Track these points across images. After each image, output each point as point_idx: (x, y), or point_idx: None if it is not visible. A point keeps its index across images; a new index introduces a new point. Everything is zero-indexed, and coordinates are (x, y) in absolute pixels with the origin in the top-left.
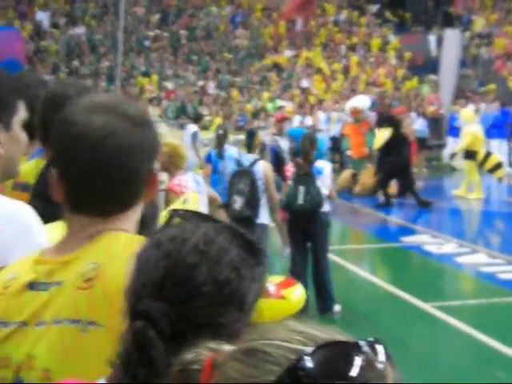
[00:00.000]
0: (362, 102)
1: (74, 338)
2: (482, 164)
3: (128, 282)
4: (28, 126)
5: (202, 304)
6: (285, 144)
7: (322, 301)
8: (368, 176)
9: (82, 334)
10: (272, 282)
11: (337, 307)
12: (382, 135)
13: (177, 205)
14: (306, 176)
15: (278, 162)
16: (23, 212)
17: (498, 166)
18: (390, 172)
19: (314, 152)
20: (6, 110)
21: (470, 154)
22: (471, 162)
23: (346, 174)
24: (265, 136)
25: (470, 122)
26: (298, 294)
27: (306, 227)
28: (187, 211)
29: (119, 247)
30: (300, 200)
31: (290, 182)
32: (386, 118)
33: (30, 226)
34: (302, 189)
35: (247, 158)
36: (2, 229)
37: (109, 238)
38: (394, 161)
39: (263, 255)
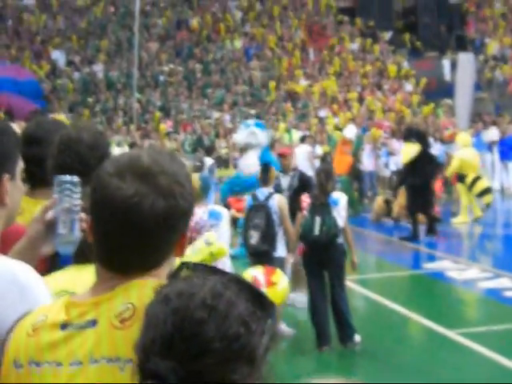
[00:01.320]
0: (350, 131)
1: (113, 376)
2: (470, 188)
3: (138, 338)
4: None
5: (212, 361)
6: (286, 181)
7: (341, 330)
8: (403, 198)
9: (120, 372)
10: (258, 270)
11: (357, 337)
12: (410, 150)
13: (201, 247)
14: (322, 206)
15: None
16: (20, 272)
17: (487, 191)
18: (415, 197)
19: (330, 183)
20: (12, 161)
21: (460, 178)
22: (462, 186)
23: (380, 201)
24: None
25: (465, 146)
26: (284, 282)
27: (323, 258)
28: (195, 264)
29: (150, 290)
30: (316, 231)
31: (305, 213)
32: (415, 132)
33: (28, 287)
34: (318, 219)
35: (262, 193)
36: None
37: (139, 283)
38: (416, 182)
39: (272, 307)
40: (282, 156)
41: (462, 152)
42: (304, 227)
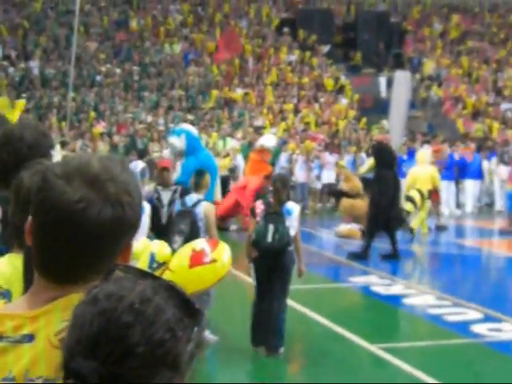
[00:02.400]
0: (269, 140)
1: None
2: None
3: (64, 337)
4: None
5: (135, 364)
6: (167, 196)
7: (272, 339)
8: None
9: None
10: (205, 243)
11: (281, 349)
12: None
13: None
14: (276, 215)
15: (156, 220)
16: None
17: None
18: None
19: (285, 192)
20: None
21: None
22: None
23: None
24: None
25: (420, 162)
26: (227, 254)
27: (273, 265)
28: (127, 266)
29: None
30: (269, 238)
31: (258, 220)
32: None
33: None
34: (271, 227)
35: (191, 198)
36: None
37: (78, 297)
38: (382, 202)
39: (200, 315)
40: (163, 169)
41: (415, 168)
42: (257, 234)
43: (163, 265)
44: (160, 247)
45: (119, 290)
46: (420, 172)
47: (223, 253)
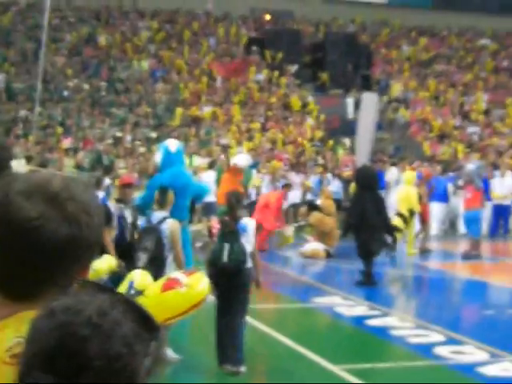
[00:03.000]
0: (243, 160)
1: None
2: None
3: (17, 353)
4: None
5: (91, 379)
6: (129, 214)
7: (235, 353)
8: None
9: None
10: (179, 273)
11: (243, 368)
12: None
13: None
14: (231, 233)
15: (121, 237)
16: None
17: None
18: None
19: (240, 209)
20: None
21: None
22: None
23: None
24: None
25: (405, 183)
26: (203, 282)
27: (230, 284)
28: (85, 281)
29: None
30: (225, 258)
31: (215, 239)
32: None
33: None
34: (226, 246)
35: (156, 216)
36: None
37: (31, 315)
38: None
39: (158, 330)
40: (124, 185)
41: (399, 189)
42: (213, 254)
43: (141, 293)
44: (142, 276)
45: (77, 303)
46: (401, 193)
47: (198, 280)
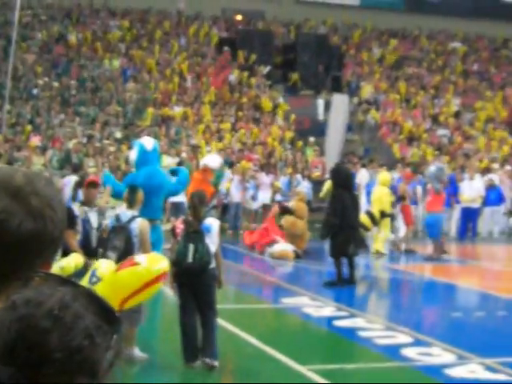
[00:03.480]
0: (214, 160)
1: None
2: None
3: None
4: None
5: (53, 370)
6: (95, 218)
7: (210, 347)
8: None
9: None
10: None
11: (216, 362)
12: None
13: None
14: (195, 234)
15: (85, 242)
16: None
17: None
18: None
19: (203, 209)
20: None
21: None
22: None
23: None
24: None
25: (380, 184)
26: (159, 264)
27: (194, 284)
28: (47, 273)
29: None
30: (189, 258)
31: (179, 239)
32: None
33: None
34: (191, 247)
35: (126, 215)
36: None
37: None
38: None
39: (119, 324)
40: (89, 185)
41: (374, 189)
42: (178, 254)
43: (101, 279)
44: (108, 265)
45: (38, 296)
46: (375, 193)
47: (155, 261)
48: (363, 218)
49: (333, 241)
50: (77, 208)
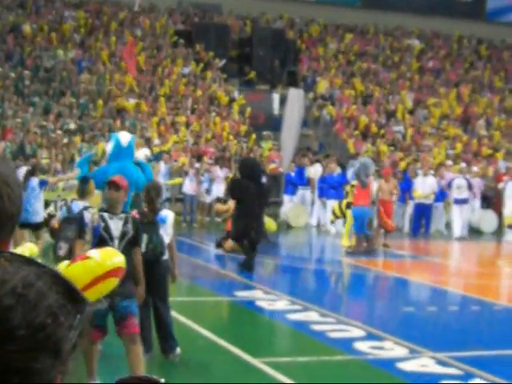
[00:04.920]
0: (140, 154)
1: None
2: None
3: None
4: None
5: (15, 348)
6: (117, 226)
7: (165, 342)
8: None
9: None
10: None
11: (178, 349)
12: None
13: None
14: (150, 224)
15: None
16: None
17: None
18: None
19: (158, 200)
20: None
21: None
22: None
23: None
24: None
25: None
26: (112, 258)
27: (147, 274)
28: (12, 254)
29: None
30: (143, 248)
31: None
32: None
33: None
34: (145, 237)
35: (77, 205)
36: None
37: None
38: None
39: (84, 304)
40: (110, 186)
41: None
42: None
43: None
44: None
45: (2, 274)
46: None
47: (109, 255)
48: (334, 206)
49: (234, 226)
50: (89, 214)
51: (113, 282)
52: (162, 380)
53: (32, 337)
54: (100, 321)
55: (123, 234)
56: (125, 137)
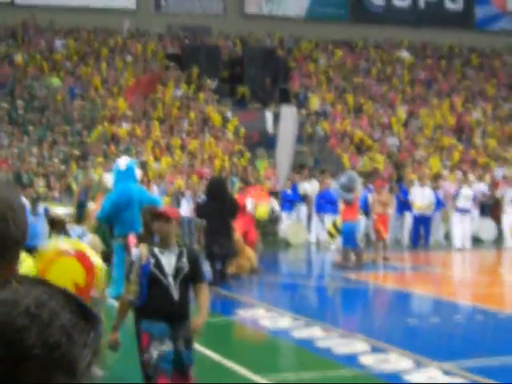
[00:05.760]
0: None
1: None
2: None
3: None
4: None
5: (31, 368)
6: (170, 262)
7: None
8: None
9: None
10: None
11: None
12: None
13: None
14: None
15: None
16: None
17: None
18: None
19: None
20: None
21: None
22: None
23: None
24: None
25: None
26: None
27: None
28: (21, 276)
29: None
30: None
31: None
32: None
33: None
34: None
35: (75, 231)
36: None
37: None
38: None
39: (97, 322)
40: (160, 218)
41: None
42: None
43: None
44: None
45: (14, 295)
46: None
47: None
48: (328, 226)
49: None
50: (136, 250)
51: (69, 263)
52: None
53: (47, 356)
54: (166, 365)
55: (178, 270)
56: (123, 162)
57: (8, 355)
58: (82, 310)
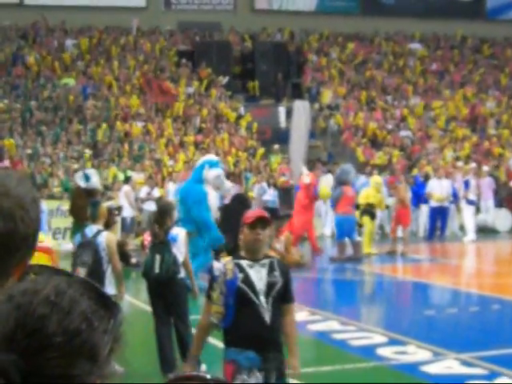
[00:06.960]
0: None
1: None
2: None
3: None
4: None
5: (54, 355)
6: (260, 276)
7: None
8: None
9: None
10: None
11: (202, 366)
12: None
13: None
14: (162, 244)
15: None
16: None
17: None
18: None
19: (168, 220)
20: None
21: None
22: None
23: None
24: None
25: (373, 186)
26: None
27: (165, 294)
28: (40, 265)
29: None
30: (156, 269)
31: (147, 251)
32: None
33: None
34: (158, 257)
35: (91, 229)
36: None
37: None
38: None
39: (116, 308)
40: (262, 221)
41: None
42: (145, 265)
43: None
44: None
45: (34, 285)
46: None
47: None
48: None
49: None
50: (227, 261)
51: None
52: (208, 376)
53: (68, 343)
54: None
55: (270, 286)
56: (202, 160)
57: (29, 344)
58: (100, 298)
